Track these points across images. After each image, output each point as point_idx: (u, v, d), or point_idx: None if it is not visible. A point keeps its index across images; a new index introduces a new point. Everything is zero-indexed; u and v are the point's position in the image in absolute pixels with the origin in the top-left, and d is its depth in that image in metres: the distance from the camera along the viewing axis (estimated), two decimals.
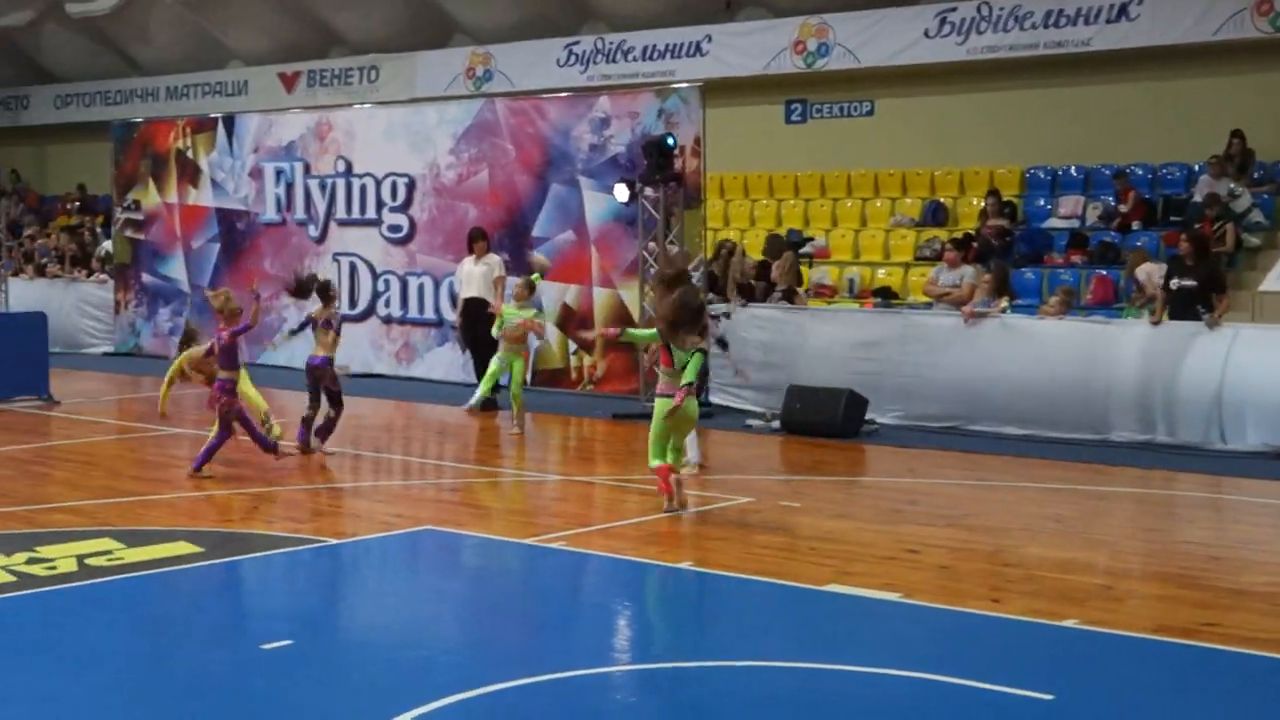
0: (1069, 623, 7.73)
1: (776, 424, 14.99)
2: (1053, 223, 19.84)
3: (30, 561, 8.92)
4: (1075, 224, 19.60)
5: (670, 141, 15.97)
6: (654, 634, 7.86)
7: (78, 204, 30.54)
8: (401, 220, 19.35)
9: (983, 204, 19.98)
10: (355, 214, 19.86)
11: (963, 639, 7.61)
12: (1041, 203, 20.27)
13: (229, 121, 21.58)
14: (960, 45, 20.47)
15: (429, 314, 18.98)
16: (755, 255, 20.28)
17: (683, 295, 10.65)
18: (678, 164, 16.15)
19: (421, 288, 19.08)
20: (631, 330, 12.39)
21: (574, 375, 17.81)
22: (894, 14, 21.00)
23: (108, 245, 23.99)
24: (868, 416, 14.81)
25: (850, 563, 9.11)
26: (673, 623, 8.09)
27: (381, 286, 19.58)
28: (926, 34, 20.68)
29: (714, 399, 16.32)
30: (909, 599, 8.21)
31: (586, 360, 17.64)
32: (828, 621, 8.01)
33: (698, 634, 7.87)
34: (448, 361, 18.71)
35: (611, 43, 23.50)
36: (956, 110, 21.15)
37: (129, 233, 22.53)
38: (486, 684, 6.58)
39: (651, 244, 16.09)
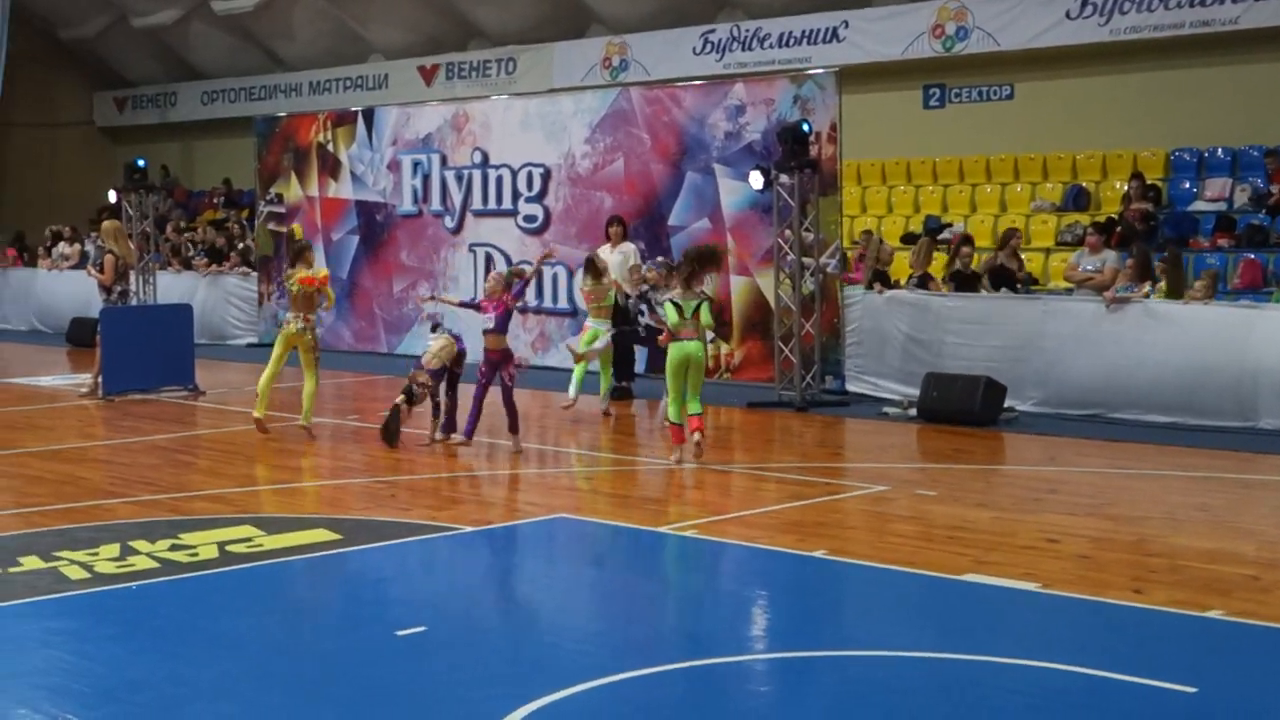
0: (1214, 614, 7.54)
1: (913, 411, 14.82)
2: (1199, 205, 19.35)
3: (174, 548, 9.10)
4: (1222, 206, 19.10)
5: (806, 128, 15.85)
6: (786, 623, 7.78)
7: (223, 198, 31.12)
8: (537, 210, 19.44)
9: (1126, 187, 19.56)
10: (491, 204, 19.99)
11: (1103, 630, 7.45)
12: (1187, 185, 19.78)
13: (368, 115, 21.84)
14: (1103, 26, 20.02)
15: (563, 304, 19.04)
16: (893, 243, 20.09)
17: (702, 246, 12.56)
18: (813, 151, 16.02)
19: (555, 277, 19.15)
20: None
21: (710, 363, 17.70)
22: None
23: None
24: (1006, 404, 14.59)
25: (988, 552, 8.97)
26: (806, 612, 8.00)
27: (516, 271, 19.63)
28: (1068, 15, 20.26)
29: (850, 387, 16.21)
30: (1048, 589, 8.06)
31: (724, 348, 17.58)
32: (964, 612, 7.89)
33: (831, 623, 7.79)
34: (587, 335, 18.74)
35: (747, 30, 23.36)
36: (1098, 92, 20.71)
37: (271, 225, 22.90)
38: (618, 672, 6.58)
39: (787, 231, 15.98)
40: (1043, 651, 6.89)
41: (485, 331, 12.98)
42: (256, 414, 13.93)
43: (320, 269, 15.10)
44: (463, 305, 14.66)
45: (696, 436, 12.03)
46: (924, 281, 16.58)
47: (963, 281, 16.19)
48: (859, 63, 21.75)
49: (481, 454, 12.98)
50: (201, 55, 32.03)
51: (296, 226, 15.18)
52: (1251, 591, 8.03)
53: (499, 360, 12.89)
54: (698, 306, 12.15)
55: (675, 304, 12.21)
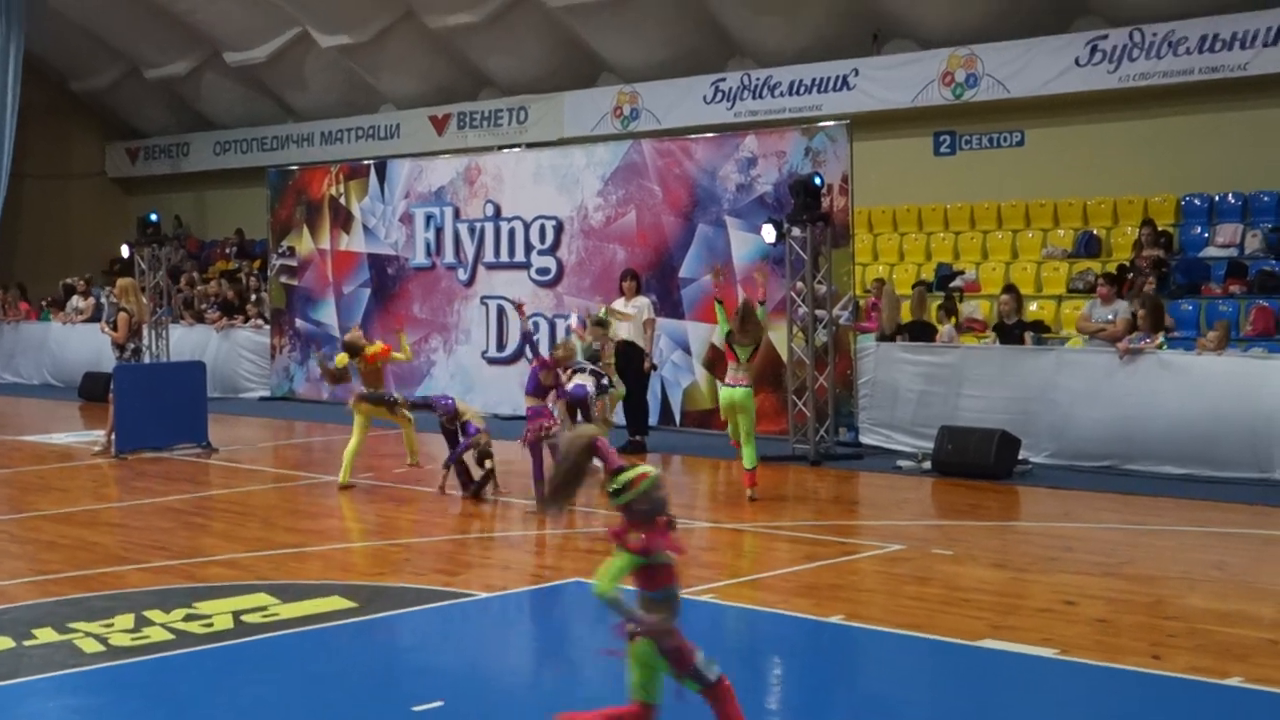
0: (1233, 680, 7.49)
1: (928, 465, 14.79)
2: (1210, 251, 19.36)
3: (188, 618, 9.08)
4: (1234, 252, 19.10)
5: (818, 181, 15.88)
6: (805, 694, 7.73)
7: (235, 248, 31.22)
8: (550, 263, 19.48)
9: (1137, 234, 19.57)
10: (504, 257, 20.05)
11: (1123, 699, 7.41)
12: (1198, 231, 19.79)
13: (380, 168, 21.92)
14: (1112, 73, 20.07)
15: (576, 358, 19.00)
16: (904, 290, 20.10)
17: (745, 302, 13.34)
18: (825, 203, 16.06)
19: (569, 330, 19.13)
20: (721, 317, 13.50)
21: (723, 416, 17.70)
22: (1043, 43, 20.66)
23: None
24: (1021, 455, 14.57)
25: (1005, 615, 8.94)
26: (824, 681, 7.95)
27: (530, 328, 19.65)
28: (1077, 62, 20.31)
29: (864, 439, 16.19)
30: (1066, 655, 8.02)
31: None
32: (983, 680, 7.85)
33: (850, 693, 7.75)
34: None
35: (758, 78, 23.44)
36: (1109, 139, 20.75)
37: (284, 278, 22.98)
38: None
39: (800, 284, 15.99)
40: None
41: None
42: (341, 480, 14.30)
43: (376, 344, 15.15)
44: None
45: (749, 493, 13.17)
46: (924, 332, 16.59)
47: (1004, 333, 16.17)
48: (869, 110, 21.84)
49: (492, 514, 12.96)
50: (214, 106, 32.20)
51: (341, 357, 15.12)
52: (1270, 656, 7.98)
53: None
54: (753, 352, 13.23)
55: (730, 342, 13.23)
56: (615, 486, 5.89)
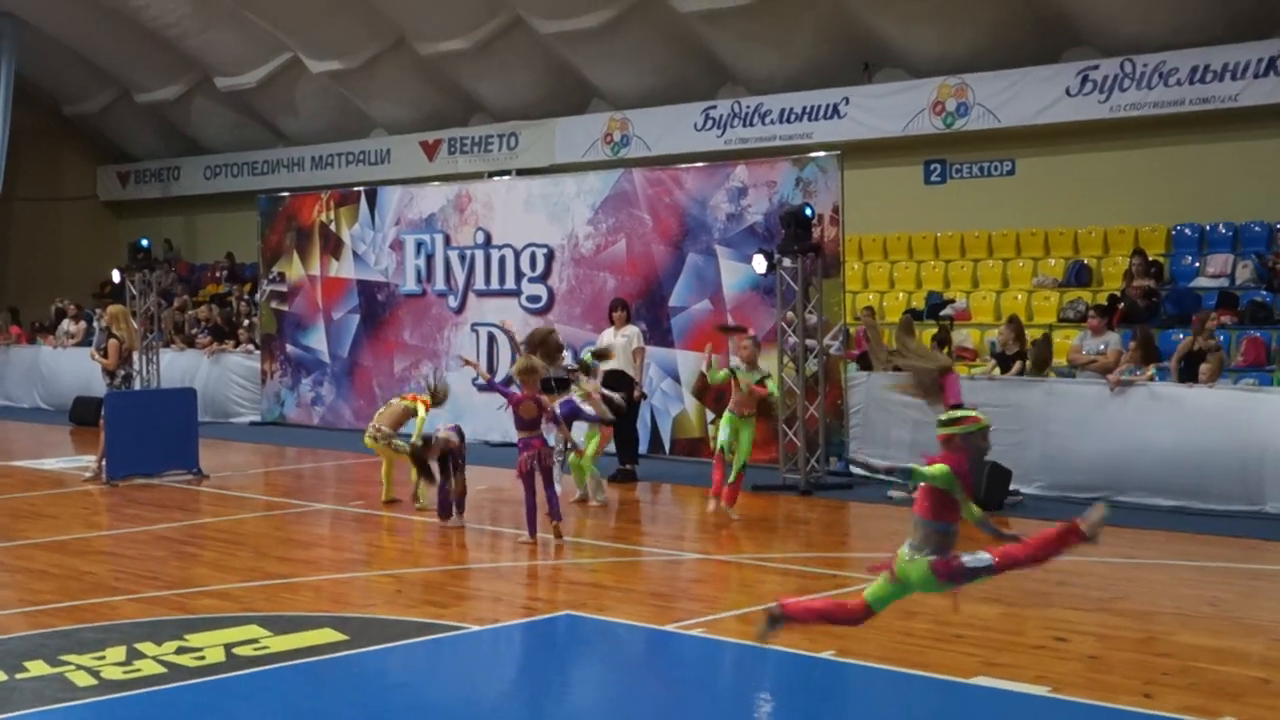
0: None
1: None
2: (1201, 282, 19.41)
3: (180, 651, 9.06)
4: (1224, 283, 19.16)
5: (808, 212, 15.92)
6: None
7: (226, 272, 31.21)
8: (540, 290, 19.51)
9: (1128, 264, 19.62)
10: (494, 284, 20.06)
11: None
12: (1189, 261, 19.85)
13: (371, 194, 21.94)
14: (1103, 103, 20.15)
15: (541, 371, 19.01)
16: (895, 319, 20.14)
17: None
18: (816, 233, 16.09)
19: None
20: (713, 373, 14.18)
21: (712, 444, 17.72)
22: (1034, 72, 20.75)
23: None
24: (1011, 487, 14.58)
25: (998, 652, 8.94)
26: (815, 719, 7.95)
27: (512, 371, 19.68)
28: (1068, 92, 20.39)
29: (855, 469, 16.19)
30: (1058, 694, 8.03)
31: None
32: (975, 719, 7.85)
33: None
34: (587, 431, 18.69)
35: (748, 106, 23.49)
36: (1100, 168, 20.83)
37: (274, 304, 22.98)
38: None
39: (790, 314, 16.01)
40: None
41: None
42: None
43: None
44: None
45: (725, 506, 13.80)
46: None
47: (1004, 364, 16.23)
48: (860, 139, 21.92)
49: (484, 544, 12.95)
50: (204, 130, 32.22)
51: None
52: (1263, 696, 7.99)
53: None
54: (760, 380, 14.07)
55: (734, 373, 14.04)
56: (947, 416, 6.84)
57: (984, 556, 6.78)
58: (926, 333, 17.98)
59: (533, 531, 12.59)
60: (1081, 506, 13.87)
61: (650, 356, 17.29)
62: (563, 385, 14.64)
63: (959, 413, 6.73)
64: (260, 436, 21.64)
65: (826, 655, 8.90)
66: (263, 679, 8.55)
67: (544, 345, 13.94)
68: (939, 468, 6.73)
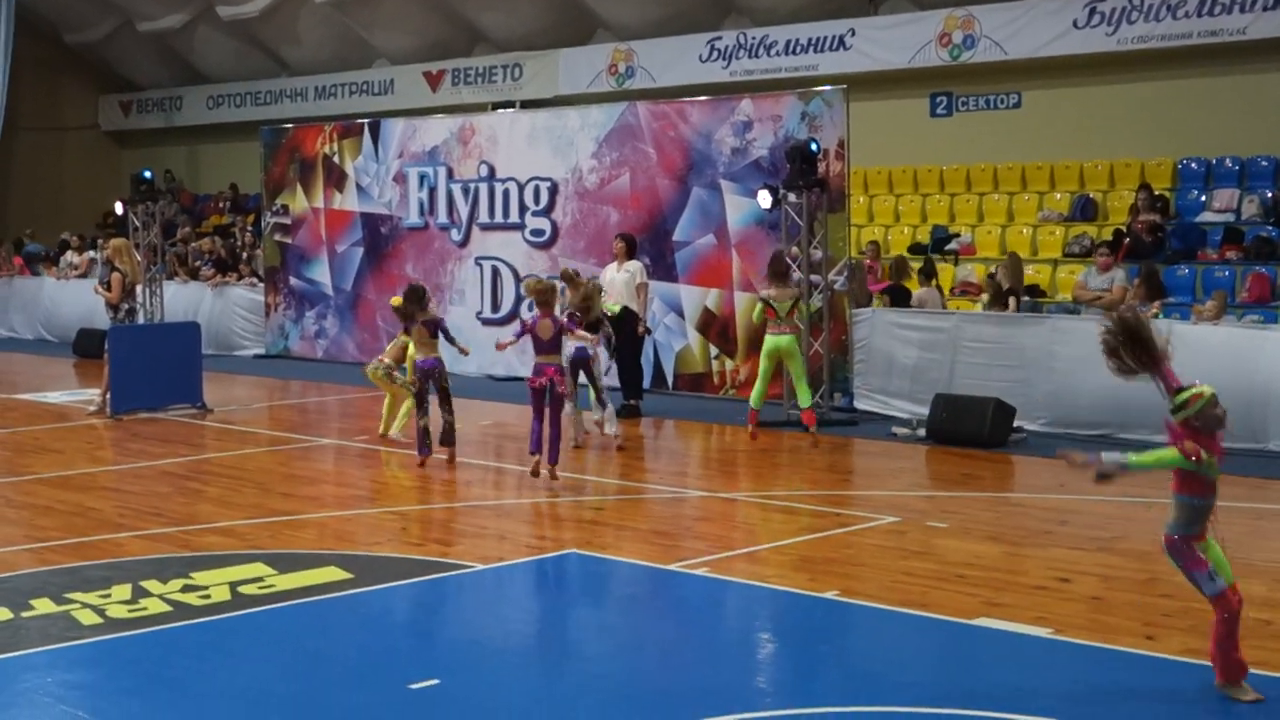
0: None
1: (922, 432, 14.81)
2: (1206, 217, 19.34)
3: (186, 589, 9.11)
4: (1230, 218, 19.09)
5: (814, 147, 15.83)
6: (802, 675, 7.75)
7: (229, 203, 31.13)
8: (544, 224, 19.44)
9: (1134, 198, 19.54)
10: (498, 218, 19.99)
11: (1116, 682, 7.43)
12: (1195, 195, 19.77)
13: (374, 127, 21.82)
14: (1110, 36, 20.00)
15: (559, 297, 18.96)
16: (900, 252, 20.11)
17: (777, 253, 14.90)
18: (821, 169, 16.01)
19: (564, 291, 19.07)
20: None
21: (716, 380, 17.75)
22: (1042, 5, 20.57)
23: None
24: (1015, 424, 14.59)
25: (999, 592, 8.97)
26: (816, 661, 7.97)
27: (524, 290, 19.65)
28: (1075, 24, 20.25)
29: (859, 405, 16.21)
30: (1060, 635, 8.06)
31: (729, 364, 17.59)
32: (976, 660, 7.89)
33: (842, 672, 7.76)
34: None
35: (754, 38, 23.34)
36: (1106, 102, 20.70)
37: (278, 236, 22.92)
38: None
39: (794, 249, 15.96)
40: (1055, 707, 6.86)
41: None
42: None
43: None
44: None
45: (812, 431, 14.23)
46: (903, 296, 16.79)
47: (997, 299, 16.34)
48: (866, 71, 21.80)
49: (489, 481, 13.00)
50: (207, 60, 32.05)
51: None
52: (1263, 639, 8.01)
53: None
54: (793, 305, 14.44)
55: (768, 303, 14.31)
56: (1175, 404, 6.84)
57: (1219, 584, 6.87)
58: (918, 265, 17.95)
59: (537, 447, 12.50)
60: (1085, 444, 13.96)
61: (654, 291, 17.24)
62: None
63: (1184, 394, 6.78)
64: (264, 370, 21.64)
65: (829, 595, 8.94)
66: (268, 618, 8.59)
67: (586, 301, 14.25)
68: (1167, 453, 6.78)
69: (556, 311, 13.12)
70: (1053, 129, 21.11)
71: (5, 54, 31.07)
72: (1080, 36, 20.27)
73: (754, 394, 14.66)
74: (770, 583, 9.29)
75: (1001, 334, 15.35)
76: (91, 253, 26.64)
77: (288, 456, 14.46)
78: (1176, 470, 6.96)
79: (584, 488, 12.75)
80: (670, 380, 18.11)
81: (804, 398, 14.44)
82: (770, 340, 14.46)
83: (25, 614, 8.61)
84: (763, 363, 14.57)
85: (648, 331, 16.79)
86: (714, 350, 17.70)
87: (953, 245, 20.49)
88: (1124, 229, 19.09)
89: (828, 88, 17.25)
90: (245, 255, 24.94)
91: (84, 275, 25.75)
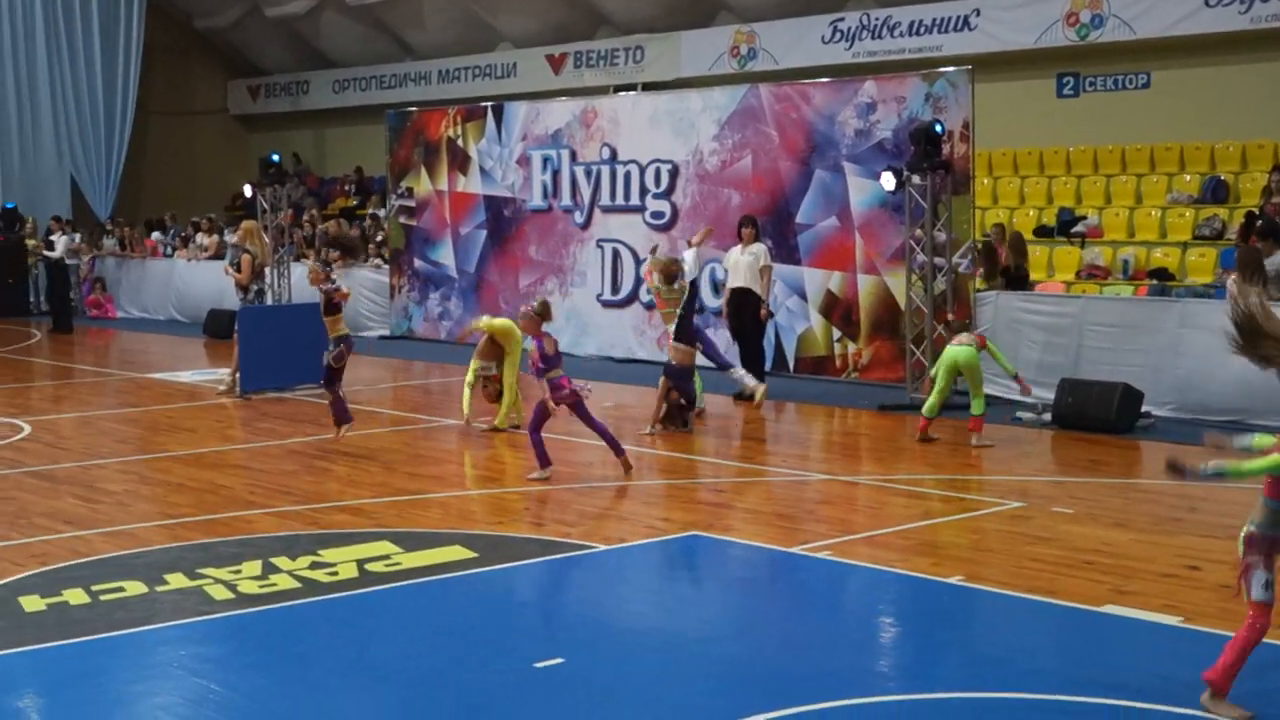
0: None
1: (1047, 416, 14.64)
2: None
3: (314, 566, 9.26)
4: None
5: (939, 129, 15.68)
6: (924, 660, 7.71)
7: (354, 185, 31.51)
8: (664, 206, 19.46)
9: (1266, 179, 19.13)
10: (619, 200, 20.05)
11: (1246, 670, 7.30)
12: None
13: (498, 110, 21.97)
14: (1243, 14, 19.59)
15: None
16: (1025, 235, 19.87)
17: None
18: (945, 150, 15.86)
19: (711, 270, 19.10)
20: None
21: (838, 363, 17.68)
22: None
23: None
24: (1144, 409, 14.37)
25: (1128, 580, 8.85)
26: (939, 646, 7.92)
27: (644, 273, 19.72)
28: (1206, 3, 19.85)
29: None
30: (1190, 624, 7.94)
31: (851, 347, 17.50)
32: (1105, 648, 7.78)
33: (969, 657, 7.70)
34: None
35: (877, 18, 23.18)
36: (1238, 81, 20.28)
37: (403, 219, 23.16)
38: (754, 713, 6.56)
39: (919, 231, 15.84)
40: (1185, 696, 6.77)
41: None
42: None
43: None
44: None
45: (974, 439, 13.46)
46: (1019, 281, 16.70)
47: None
48: (991, 51, 21.56)
49: (610, 463, 13.04)
50: (333, 44, 32.46)
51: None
52: None
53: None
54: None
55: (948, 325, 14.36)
56: None
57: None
58: (1048, 248, 17.73)
59: (619, 450, 12.33)
60: (1216, 430, 13.70)
61: (776, 274, 17.18)
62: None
63: None
64: (389, 351, 21.90)
65: (954, 580, 8.87)
66: (395, 595, 8.71)
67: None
68: (1271, 459, 6.63)
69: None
70: (1182, 109, 20.73)
71: (137, 39, 31.71)
72: (1211, 15, 19.87)
73: (928, 405, 13.74)
74: (893, 567, 9.24)
75: (1130, 318, 15.13)
76: (227, 235, 27.07)
77: (412, 436, 14.63)
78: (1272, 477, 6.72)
79: (704, 470, 12.77)
80: (791, 363, 18.07)
81: (977, 407, 13.60)
82: (949, 351, 13.73)
83: (159, 588, 8.81)
84: (941, 377, 13.66)
85: (770, 314, 16.74)
86: (836, 333, 17.62)
87: (1079, 228, 20.20)
88: (1256, 211, 18.69)
89: (952, 68, 17.08)
90: (379, 238, 25.17)
91: (214, 257, 26.20)
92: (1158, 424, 14.29)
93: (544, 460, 12.12)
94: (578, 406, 12.02)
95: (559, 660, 7.42)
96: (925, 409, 13.73)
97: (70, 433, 15.14)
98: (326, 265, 14.65)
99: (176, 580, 8.98)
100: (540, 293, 20.45)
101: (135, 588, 8.81)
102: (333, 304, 14.02)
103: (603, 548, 9.84)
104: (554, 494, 11.67)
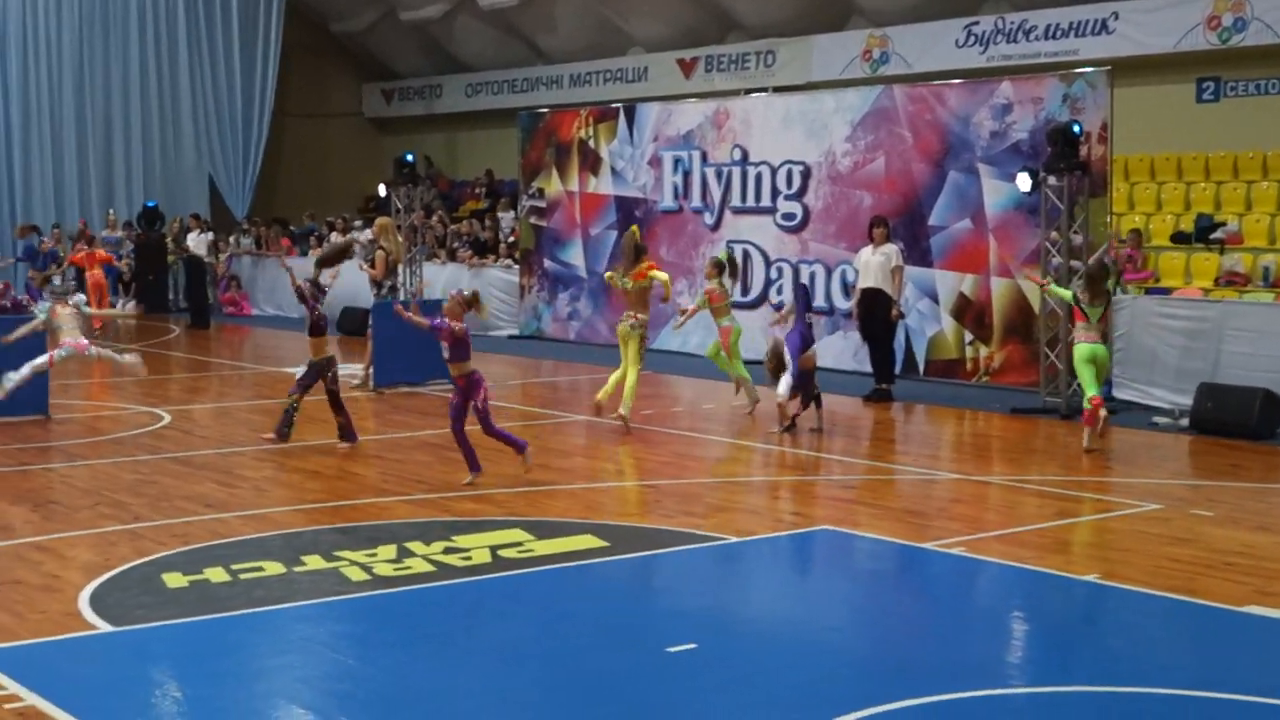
0: None
1: (1185, 422, 14.39)
2: None
3: (448, 551, 9.36)
4: None
5: (1076, 129, 15.47)
6: (1056, 654, 7.60)
7: (485, 189, 31.78)
8: (796, 208, 19.41)
9: None
10: (750, 202, 20.03)
11: None
12: None
13: (629, 111, 22.06)
14: None
15: (820, 302, 18.84)
16: (1162, 241, 19.57)
17: (1099, 265, 14.16)
18: (1083, 151, 15.65)
19: (813, 275, 19.08)
20: (1055, 288, 14.59)
21: (969, 366, 17.52)
22: None
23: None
24: None
25: (1271, 581, 8.68)
26: (1073, 641, 7.82)
27: (774, 274, 19.70)
28: None
29: (1117, 394, 15.81)
30: None
31: (983, 351, 17.34)
32: (1245, 647, 7.65)
33: (1098, 655, 7.58)
34: (838, 350, 18.64)
35: (1012, 22, 22.91)
36: None
37: (533, 219, 23.32)
38: (883, 702, 6.54)
39: (1054, 234, 15.65)
40: None
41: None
42: (599, 397, 14.66)
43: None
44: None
45: (1102, 412, 13.16)
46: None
47: None
48: (1129, 55, 21.21)
49: (738, 458, 13.05)
50: (466, 48, 32.75)
51: (635, 228, 15.57)
52: None
53: (465, 388, 11.92)
54: (1102, 312, 13.59)
55: (1083, 309, 13.51)
56: None
57: None
58: (1194, 256, 17.39)
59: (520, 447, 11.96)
60: None
61: (907, 276, 17.06)
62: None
63: None
64: (518, 349, 22.06)
65: (1091, 578, 8.76)
66: (528, 580, 8.79)
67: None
68: None
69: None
70: None
71: (276, 41, 32.27)
72: None
73: (1086, 391, 13.45)
74: (1027, 564, 9.14)
75: (1271, 323, 14.82)
76: (364, 232, 27.42)
77: (541, 430, 14.72)
78: None
79: (833, 467, 12.72)
80: (921, 366, 17.93)
81: (1092, 389, 13.27)
82: (1080, 349, 13.45)
83: (297, 569, 8.96)
84: (1082, 371, 13.49)
85: (900, 315, 16.63)
86: (968, 336, 17.45)
87: (1219, 234, 19.82)
88: None
89: (1091, 69, 16.86)
90: (510, 239, 25.35)
91: None
92: None
93: (474, 464, 11.74)
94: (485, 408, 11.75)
95: (692, 645, 7.44)
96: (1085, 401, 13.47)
97: (208, 422, 15.46)
98: (316, 285, 14.21)
99: (314, 561, 9.12)
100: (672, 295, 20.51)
101: (274, 568, 8.97)
102: (318, 326, 13.79)
103: (734, 540, 9.84)
104: (683, 487, 11.69)
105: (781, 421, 13.94)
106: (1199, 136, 21.52)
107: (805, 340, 14.07)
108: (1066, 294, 14.07)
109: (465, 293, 12.14)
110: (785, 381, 13.74)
